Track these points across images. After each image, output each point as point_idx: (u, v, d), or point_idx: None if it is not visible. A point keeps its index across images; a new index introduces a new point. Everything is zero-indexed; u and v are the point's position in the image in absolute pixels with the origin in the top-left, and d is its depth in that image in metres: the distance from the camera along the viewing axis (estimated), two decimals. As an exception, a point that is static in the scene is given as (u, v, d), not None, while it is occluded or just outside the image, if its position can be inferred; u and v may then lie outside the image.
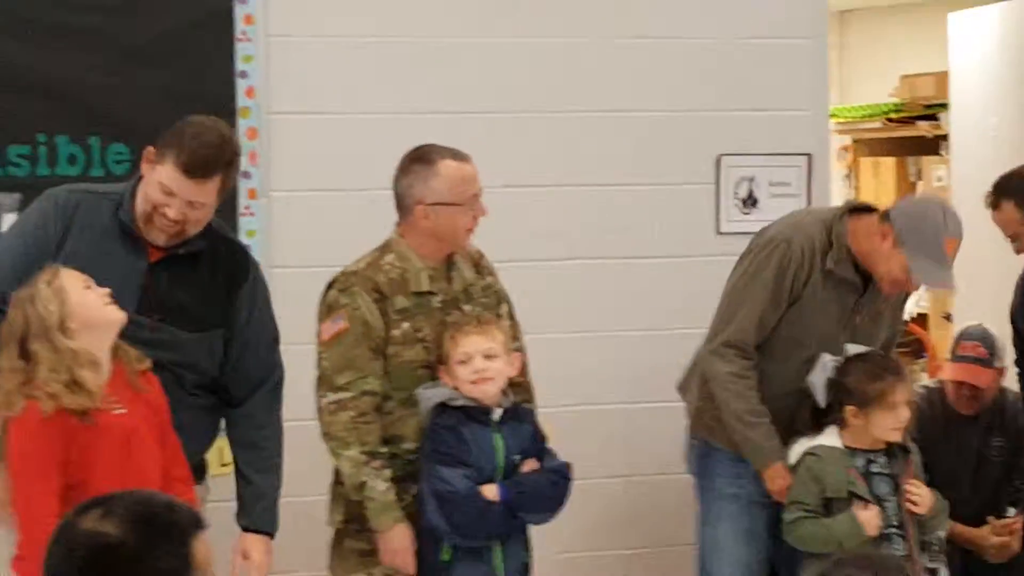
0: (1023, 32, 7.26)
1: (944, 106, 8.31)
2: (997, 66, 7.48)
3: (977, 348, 5.96)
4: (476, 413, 4.64)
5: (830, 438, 5.04)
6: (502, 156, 5.66)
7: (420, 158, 4.74)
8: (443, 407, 4.63)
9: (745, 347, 5.07)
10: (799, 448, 5.07)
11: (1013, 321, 6.00)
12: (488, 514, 4.61)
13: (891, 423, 5.02)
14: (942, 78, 8.27)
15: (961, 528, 5.69)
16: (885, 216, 5.01)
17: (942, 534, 5.22)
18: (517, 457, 4.68)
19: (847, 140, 9.72)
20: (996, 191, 5.88)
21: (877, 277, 5.00)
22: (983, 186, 6.15)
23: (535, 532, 4.88)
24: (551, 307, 5.82)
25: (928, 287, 6.01)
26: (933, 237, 4.95)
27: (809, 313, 5.04)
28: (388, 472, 4.64)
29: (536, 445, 4.76)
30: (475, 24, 5.97)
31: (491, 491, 4.61)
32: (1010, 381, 6.05)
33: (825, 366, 5.07)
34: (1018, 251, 5.89)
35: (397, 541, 4.64)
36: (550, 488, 4.74)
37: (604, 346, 6.14)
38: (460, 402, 4.63)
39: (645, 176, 6.15)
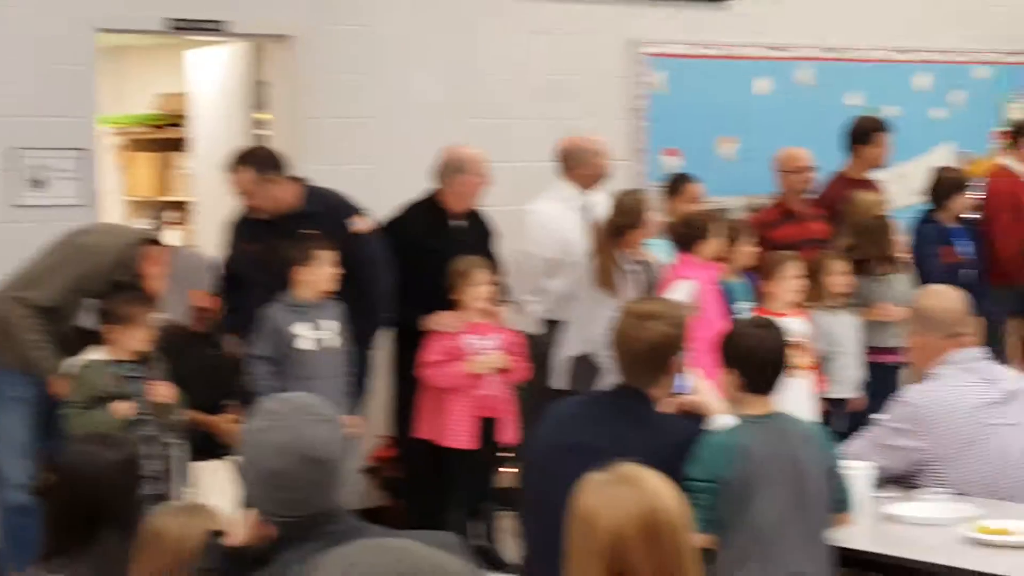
0: (236, 64, 7.67)
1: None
2: (220, 87, 7.87)
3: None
4: None
5: (99, 352, 5.50)
6: None
7: None
8: None
9: (40, 304, 5.61)
10: (75, 361, 5.49)
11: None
12: None
13: (139, 337, 5.50)
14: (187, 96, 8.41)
15: (199, 415, 6.03)
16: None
17: (181, 419, 5.67)
18: None
19: (121, 140, 9.77)
20: (235, 160, 6.17)
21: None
22: (217, 170, 6.60)
23: None
24: None
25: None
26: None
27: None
28: None
29: None
30: None
31: None
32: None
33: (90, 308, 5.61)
34: (251, 209, 6.20)
35: None
36: None
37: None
38: None
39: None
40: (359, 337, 6.20)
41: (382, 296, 6.32)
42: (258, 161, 6.21)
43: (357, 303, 6.12)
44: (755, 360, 4.10)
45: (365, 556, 1.49)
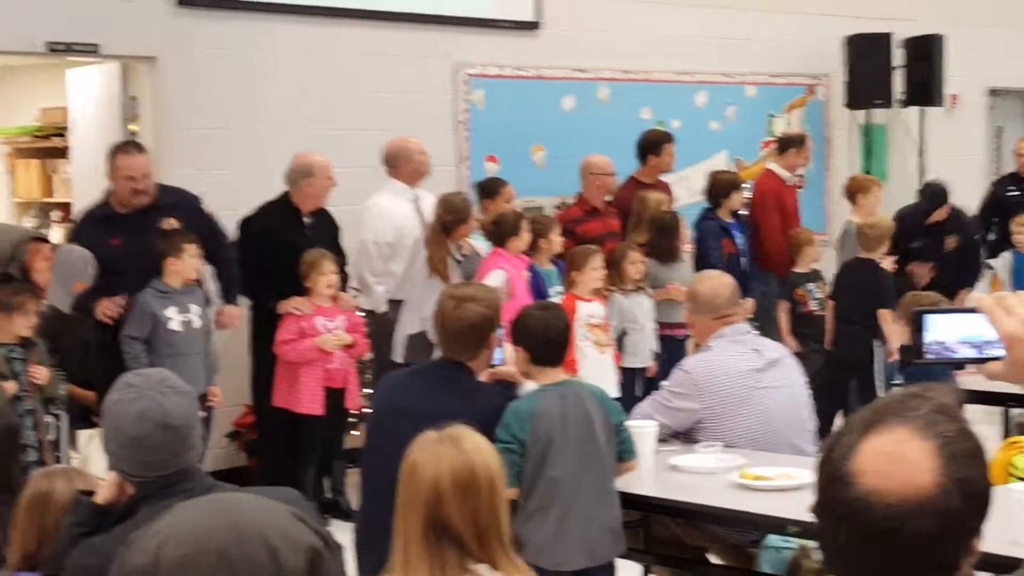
0: (109, 82, 7.56)
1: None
2: (96, 102, 7.74)
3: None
4: None
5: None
6: None
7: None
8: None
9: None
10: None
11: None
12: None
13: (24, 324, 5.34)
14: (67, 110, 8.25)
15: (76, 390, 5.83)
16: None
17: (62, 393, 5.55)
18: None
19: (8, 149, 9.61)
20: (135, 145, 6.09)
21: None
22: (95, 178, 6.51)
23: None
24: None
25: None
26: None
27: None
28: None
29: None
30: None
31: None
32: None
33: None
34: (134, 193, 5.91)
35: None
36: None
37: None
38: None
39: None
40: (226, 295, 6.30)
41: (235, 261, 6.35)
42: (145, 149, 6.14)
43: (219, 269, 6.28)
44: (540, 338, 4.13)
45: (202, 512, 1.48)
